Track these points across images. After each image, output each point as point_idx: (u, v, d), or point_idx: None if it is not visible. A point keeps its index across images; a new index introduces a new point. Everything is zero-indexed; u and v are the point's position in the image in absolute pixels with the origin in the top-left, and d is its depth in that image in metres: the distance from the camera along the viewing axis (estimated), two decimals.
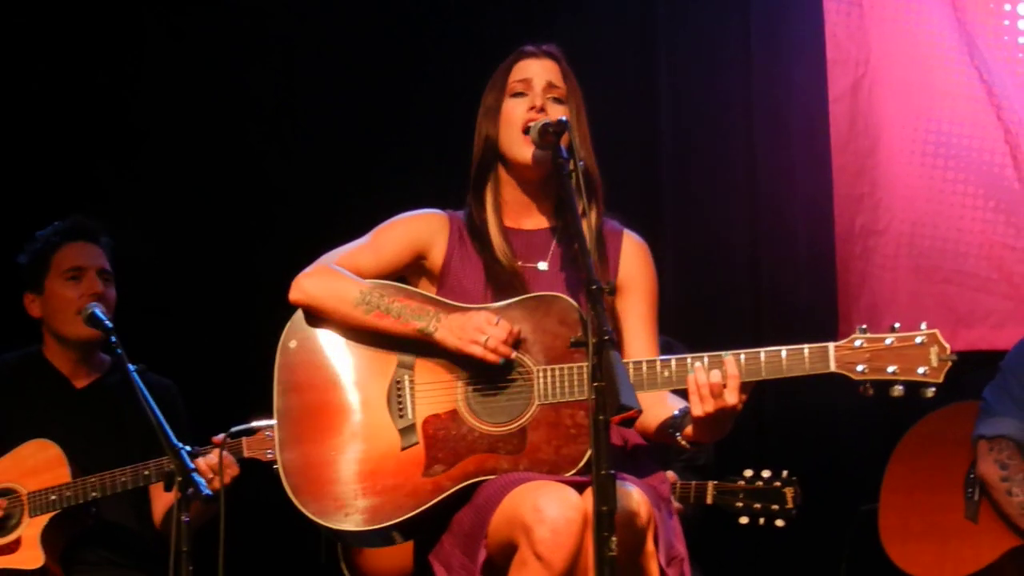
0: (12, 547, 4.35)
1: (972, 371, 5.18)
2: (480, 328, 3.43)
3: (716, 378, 3.31)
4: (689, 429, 3.44)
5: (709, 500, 4.48)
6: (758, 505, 4.44)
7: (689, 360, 3.36)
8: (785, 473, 4.46)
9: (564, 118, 3.53)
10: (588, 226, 3.59)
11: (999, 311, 5.66)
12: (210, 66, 5.77)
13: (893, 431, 5.27)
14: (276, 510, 3.66)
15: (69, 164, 5.65)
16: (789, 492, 4.42)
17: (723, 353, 3.35)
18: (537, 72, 3.68)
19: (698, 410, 3.33)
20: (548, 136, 3.50)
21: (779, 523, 4.45)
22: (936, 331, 3.32)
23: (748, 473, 4.49)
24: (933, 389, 3.31)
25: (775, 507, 4.43)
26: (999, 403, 4.94)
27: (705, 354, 3.36)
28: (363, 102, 5.87)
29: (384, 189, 5.48)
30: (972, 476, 4.97)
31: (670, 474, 4.50)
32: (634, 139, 5.84)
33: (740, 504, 4.44)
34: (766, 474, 4.47)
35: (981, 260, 5.69)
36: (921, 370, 3.30)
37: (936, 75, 5.73)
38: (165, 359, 4.63)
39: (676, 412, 3.48)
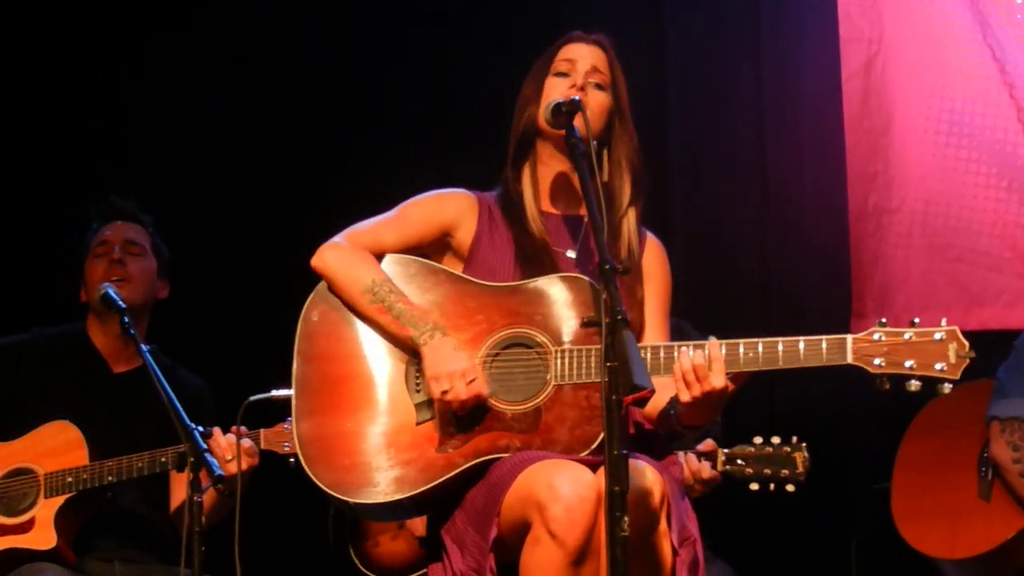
0: (26, 527, 4.35)
1: (984, 351, 5.17)
2: (451, 375, 3.43)
3: (700, 360, 3.32)
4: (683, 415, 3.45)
5: (719, 467, 4.48)
6: (768, 471, 4.43)
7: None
8: (795, 439, 4.46)
9: (577, 98, 3.53)
10: (627, 217, 3.66)
11: (1012, 290, 5.65)
12: (208, 55, 5.77)
13: (906, 410, 5.26)
14: (286, 499, 3.68)
15: (68, 162, 5.67)
16: (799, 456, 4.41)
17: (700, 342, 3.36)
18: (583, 55, 3.70)
19: (685, 396, 3.34)
20: (560, 115, 3.51)
21: (789, 488, 4.45)
22: (955, 328, 3.34)
23: (757, 440, 4.50)
24: (950, 386, 3.32)
25: (785, 472, 4.43)
26: (1012, 383, 4.93)
27: (691, 342, 3.37)
28: (369, 87, 5.87)
29: (392, 169, 5.50)
30: (985, 455, 4.97)
31: (709, 442, 4.51)
32: (642, 122, 5.78)
33: (750, 470, 4.44)
34: (775, 440, 4.47)
35: (994, 239, 5.67)
36: (939, 366, 3.31)
37: (949, 53, 5.71)
38: (181, 340, 4.64)
39: (673, 396, 3.48)
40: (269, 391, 4.14)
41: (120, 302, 4.29)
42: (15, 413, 4.48)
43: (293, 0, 5.89)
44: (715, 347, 3.34)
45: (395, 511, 3.55)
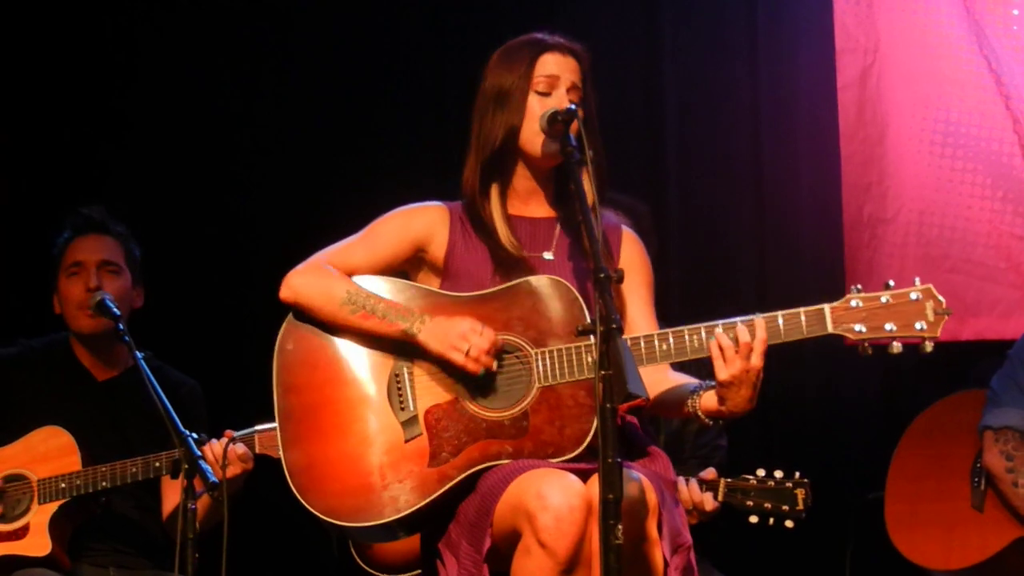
0: (20, 533, 4.35)
1: (979, 360, 5.19)
2: (464, 336, 3.44)
3: (745, 337, 3.33)
4: (708, 402, 3.44)
5: (720, 497, 4.48)
6: (768, 505, 4.44)
7: (686, 333, 3.39)
8: (797, 474, 4.47)
9: (573, 106, 3.54)
10: (595, 217, 3.61)
11: (1007, 300, 5.65)
12: (208, 56, 5.77)
13: (899, 419, 5.27)
14: (282, 502, 3.67)
15: (65, 163, 5.65)
16: (800, 493, 4.42)
17: (747, 317, 3.37)
18: (563, 70, 3.64)
19: (723, 374, 3.34)
20: (557, 124, 3.52)
21: (788, 524, 4.46)
22: (930, 286, 3.35)
23: (760, 472, 4.49)
24: (931, 344, 3.32)
25: (785, 508, 4.43)
26: (1006, 393, 4.94)
27: (720, 321, 3.37)
28: (368, 89, 5.87)
29: (382, 185, 5.46)
30: (979, 465, 4.97)
31: (711, 471, 4.50)
32: (638, 128, 5.84)
33: (751, 503, 4.44)
34: (778, 474, 4.47)
35: (989, 249, 5.68)
36: (919, 325, 3.32)
37: (944, 64, 5.72)
38: (179, 342, 4.64)
39: (692, 386, 3.48)
40: (253, 425, 4.16)
41: (115, 309, 4.31)
42: (3, 424, 4.48)
43: (293, 1, 5.89)
44: (761, 327, 3.33)
45: (393, 531, 3.52)
